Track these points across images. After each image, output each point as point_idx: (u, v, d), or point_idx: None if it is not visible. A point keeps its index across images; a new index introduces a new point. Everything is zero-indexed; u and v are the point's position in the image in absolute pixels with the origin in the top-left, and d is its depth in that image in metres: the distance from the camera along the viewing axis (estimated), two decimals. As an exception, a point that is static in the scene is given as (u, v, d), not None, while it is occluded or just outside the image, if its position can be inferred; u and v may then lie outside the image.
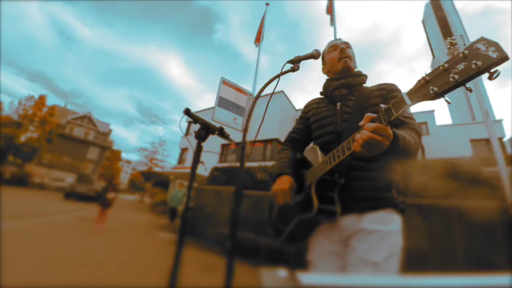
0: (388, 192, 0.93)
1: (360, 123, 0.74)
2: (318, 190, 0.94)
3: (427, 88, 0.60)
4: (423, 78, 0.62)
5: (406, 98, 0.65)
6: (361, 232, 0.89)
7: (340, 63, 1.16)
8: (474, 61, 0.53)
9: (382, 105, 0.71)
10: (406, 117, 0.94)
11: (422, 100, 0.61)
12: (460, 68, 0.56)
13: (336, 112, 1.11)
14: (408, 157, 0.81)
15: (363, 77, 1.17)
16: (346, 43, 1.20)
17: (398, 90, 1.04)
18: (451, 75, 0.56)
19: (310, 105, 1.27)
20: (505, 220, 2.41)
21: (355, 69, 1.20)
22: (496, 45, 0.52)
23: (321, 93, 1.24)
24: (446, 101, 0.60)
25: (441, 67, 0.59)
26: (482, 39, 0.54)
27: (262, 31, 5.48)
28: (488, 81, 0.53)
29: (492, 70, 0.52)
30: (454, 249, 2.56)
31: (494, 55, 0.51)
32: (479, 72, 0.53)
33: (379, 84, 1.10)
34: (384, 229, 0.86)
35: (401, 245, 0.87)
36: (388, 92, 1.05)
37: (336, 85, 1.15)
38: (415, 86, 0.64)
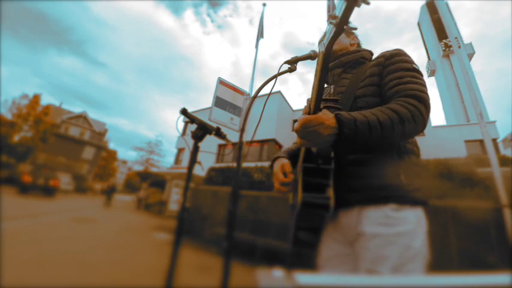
0: (393, 179, 0.74)
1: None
2: (310, 180, 0.76)
3: (330, 22, 0.55)
4: (330, 16, 0.56)
5: (320, 46, 0.61)
6: (362, 236, 0.73)
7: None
8: None
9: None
10: (400, 88, 0.78)
11: (331, 40, 0.57)
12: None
13: (330, 96, 0.99)
14: (380, 138, 0.67)
15: (361, 52, 1.01)
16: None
17: (402, 54, 0.86)
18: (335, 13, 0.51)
19: None
20: (498, 220, 2.45)
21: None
22: None
23: None
24: (352, 27, 0.55)
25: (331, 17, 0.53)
26: None
27: (261, 31, 5.48)
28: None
29: None
30: (449, 248, 2.59)
31: None
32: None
33: (381, 52, 0.93)
34: (388, 232, 0.70)
35: (419, 247, 0.69)
36: (387, 58, 0.87)
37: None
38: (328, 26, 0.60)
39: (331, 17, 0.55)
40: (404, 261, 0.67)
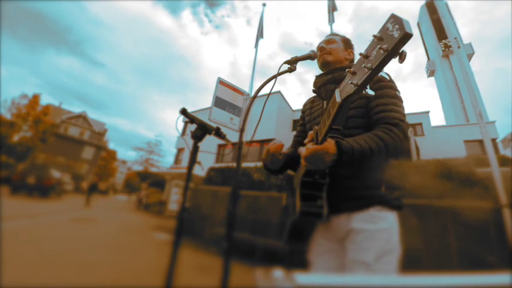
0: (377, 190, 0.91)
1: (305, 141, 0.81)
2: (307, 192, 0.90)
3: (351, 81, 0.58)
4: (349, 70, 0.59)
5: (337, 96, 0.63)
6: (351, 232, 0.87)
7: (319, 61, 1.13)
8: (383, 45, 0.49)
9: (317, 126, 0.77)
10: (385, 115, 0.89)
11: (349, 96, 0.59)
12: (373, 55, 0.52)
13: (323, 112, 1.05)
14: (369, 163, 0.81)
15: None
16: (329, 40, 1.14)
17: (386, 80, 0.97)
18: (364, 65, 0.53)
19: (305, 105, 1.24)
20: (498, 220, 2.45)
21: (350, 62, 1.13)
22: (399, 23, 0.47)
23: (313, 91, 1.19)
24: (368, 94, 0.57)
25: (361, 55, 0.55)
26: (392, 17, 0.49)
27: (260, 31, 5.48)
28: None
29: (401, 51, 0.48)
30: (448, 248, 2.59)
31: (397, 34, 0.47)
32: (388, 56, 0.49)
33: None
34: (372, 228, 0.84)
35: (395, 243, 0.85)
36: (374, 82, 0.97)
37: (322, 81, 1.09)
38: (344, 80, 0.62)
39: (350, 72, 0.59)
40: (384, 253, 0.81)
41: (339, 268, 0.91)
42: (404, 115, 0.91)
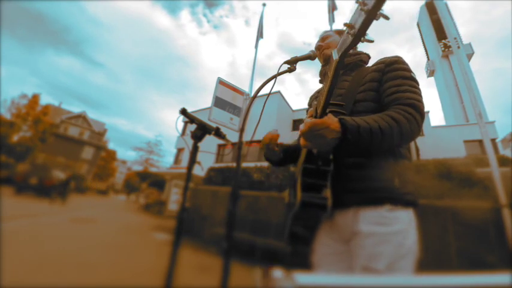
0: (389, 182, 0.79)
1: (304, 118, 0.74)
2: (309, 180, 0.80)
3: (348, 32, 0.55)
4: (346, 24, 0.56)
5: (334, 55, 0.60)
6: (358, 235, 0.77)
7: (320, 59, 1.12)
8: None
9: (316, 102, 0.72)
10: (398, 96, 0.81)
11: (346, 49, 0.56)
12: None
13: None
14: (379, 144, 0.72)
15: (361, 55, 1.04)
16: (323, 36, 1.14)
17: (401, 62, 0.90)
18: (361, 7, 0.50)
19: (312, 96, 1.22)
20: (497, 220, 2.45)
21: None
22: None
23: (319, 81, 1.17)
24: (368, 40, 0.53)
25: (359, 3, 0.52)
26: None
27: (260, 31, 5.48)
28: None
29: None
30: (448, 248, 2.59)
31: None
32: None
33: (381, 58, 0.96)
34: (383, 231, 0.74)
35: (410, 246, 0.75)
36: (387, 65, 0.91)
37: (327, 69, 1.03)
38: (341, 38, 0.60)
39: (347, 25, 0.55)
40: (398, 258, 0.72)
41: (346, 272, 0.85)
42: (421, 96, 0.82)
